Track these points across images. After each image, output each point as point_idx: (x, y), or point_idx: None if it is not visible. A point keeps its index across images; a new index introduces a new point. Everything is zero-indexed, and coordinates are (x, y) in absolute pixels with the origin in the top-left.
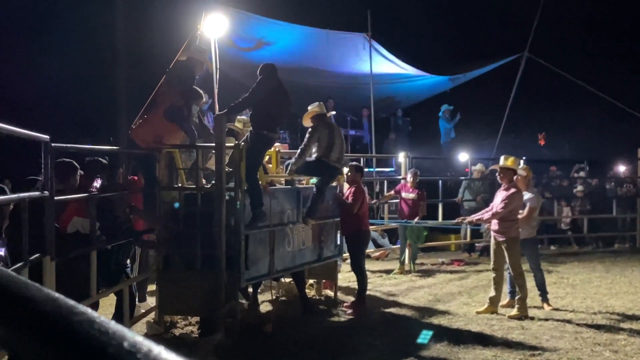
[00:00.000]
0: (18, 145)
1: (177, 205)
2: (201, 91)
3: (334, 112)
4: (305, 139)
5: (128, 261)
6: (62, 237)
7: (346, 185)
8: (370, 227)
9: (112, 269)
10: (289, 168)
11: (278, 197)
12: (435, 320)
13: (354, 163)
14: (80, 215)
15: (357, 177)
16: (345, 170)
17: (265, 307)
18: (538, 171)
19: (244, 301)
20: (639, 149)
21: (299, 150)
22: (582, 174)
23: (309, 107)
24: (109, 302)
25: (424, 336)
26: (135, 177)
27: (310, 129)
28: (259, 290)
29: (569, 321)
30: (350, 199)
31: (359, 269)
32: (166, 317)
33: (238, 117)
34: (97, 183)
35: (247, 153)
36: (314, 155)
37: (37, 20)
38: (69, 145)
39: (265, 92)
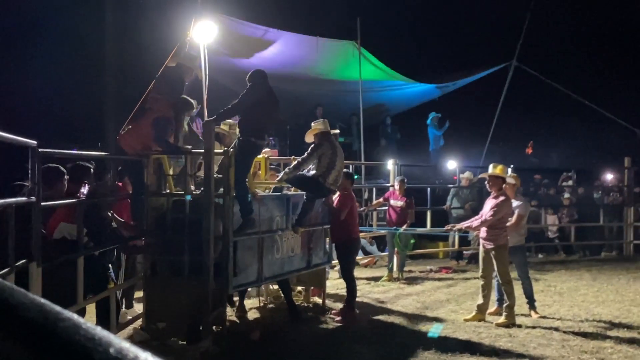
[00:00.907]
0: (5, 151)
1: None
2: (191, 99)
3: (337, 131)
4: (307, 153)
5: (110, 265)
6: (49, 243)
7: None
8: (360, 234)
9: (98, 275)
10: (279, 176)
11: (267, 204)
12: (424, 328)
13: (344, 170)
14: (68, 221)
15: (347, 184)
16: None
17: (252, 315)
18: (525, 180)
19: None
20: (626, 158)
21: (295, 162)
22: (569, 182)
23: (313, 124)
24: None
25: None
26: (120, 183)
27: (313, 145)
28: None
29: (556, 329)
30: (337, 205)
31: (349, 277)
32: (153, 324)
33: None
34: (85, 189)
35: (235, 160)
36: (311, 172)
37: (26, 26)
38: (56, 150)
39: (254, 99)
